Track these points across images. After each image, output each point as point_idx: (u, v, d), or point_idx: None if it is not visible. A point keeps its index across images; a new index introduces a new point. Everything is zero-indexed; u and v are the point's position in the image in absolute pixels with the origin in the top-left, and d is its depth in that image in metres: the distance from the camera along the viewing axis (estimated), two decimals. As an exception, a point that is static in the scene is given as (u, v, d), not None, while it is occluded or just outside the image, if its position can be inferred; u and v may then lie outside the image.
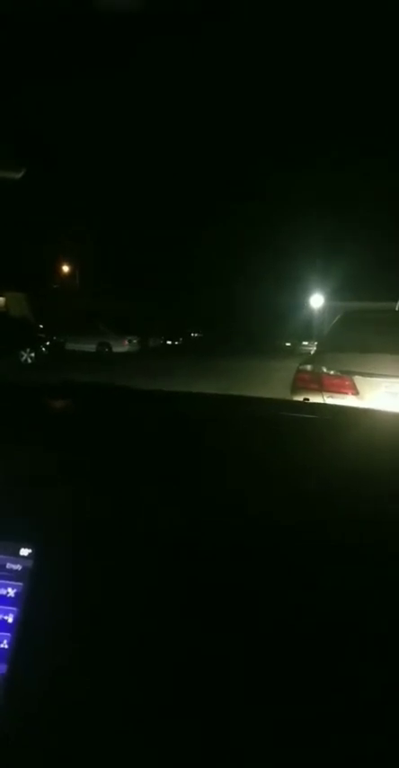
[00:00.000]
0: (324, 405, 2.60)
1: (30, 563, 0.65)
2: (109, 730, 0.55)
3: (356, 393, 3.50)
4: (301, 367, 3.85)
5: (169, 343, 36.30)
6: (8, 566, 0.65)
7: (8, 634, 0.61)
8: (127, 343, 22.55)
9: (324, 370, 3.65)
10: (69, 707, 0.57)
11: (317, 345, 4.88)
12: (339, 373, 3.58)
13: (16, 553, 0.65)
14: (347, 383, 3.53)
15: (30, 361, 15.02)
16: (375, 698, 0.54)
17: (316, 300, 30.13)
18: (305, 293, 32.66)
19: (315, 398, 3.36)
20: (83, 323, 21.94)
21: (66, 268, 34.40)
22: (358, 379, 3.50)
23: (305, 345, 31.18)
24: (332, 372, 3.62)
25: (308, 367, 3.78)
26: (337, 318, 4.54)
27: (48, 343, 16.18)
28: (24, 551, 0.65)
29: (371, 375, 3.49)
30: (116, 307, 26.94)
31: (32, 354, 15.10)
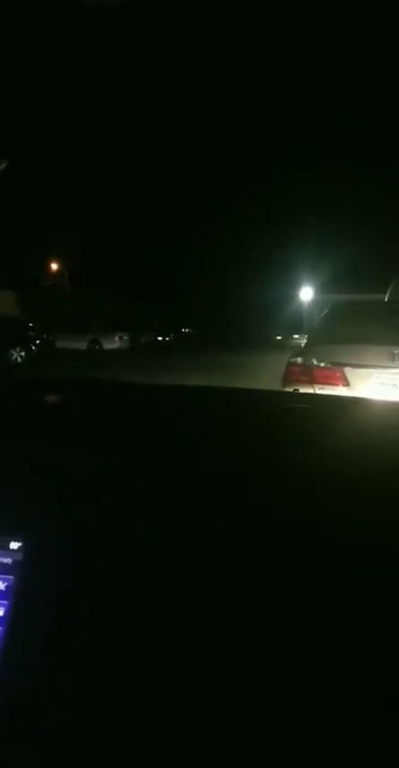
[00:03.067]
0: (321, 395, 2.61)
1: (20, 556, 0.64)
2: (106, 727, 0.55)
3: (347, 384, 3.51)
4: (292, 360, 3.85)
5: (160, 339, 36.27)
6: (-2, 559, 0.64)
7: (0, 627, 0.61)
8: (117, 339, 22.51)
9: (315, 362, 3.66)
10: (63, 700, 0.57)
11: (307, 338, 4.89)
12: (329, 365, 3.60)
13: (6, 546, 0.65)
14: (338, 375, 3.54)
15: (20, 359, 14.94)
16: (377, 699, 0.54)
17: (306, 293, 30.21)
18: (295, 287, 32.76)
19: (306, 391, 3.37)
20: (73, 321, 21.87)
21: (57, 266, 34.24)
22: (348, 371, 3.51)
23: (295, 338, 31.21)
24: (322, 364, 3.63)
25: (299, 360, 3.79)
26: (327, 311, 4.55)
27: (38, 342, 16.10)
28: (14, 545, 0.65)
29: (361, 366, 3.50)
30: (108, 307, 26.91)
31: (22, 353, 15.01)
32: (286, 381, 3.77)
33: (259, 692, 0.55)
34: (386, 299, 5.89)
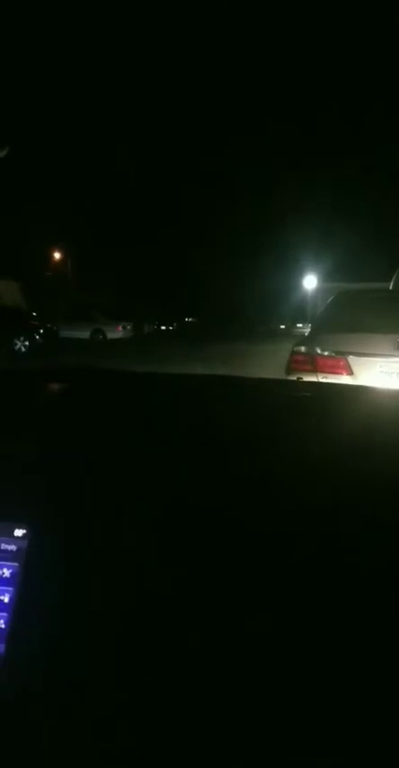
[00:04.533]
0: (325, 384, 2.60)
1: (24, 543, 0.65)
2: (107, 712, 0.55)
3: (350, 373, 3.50)
4: (295, 348, 3.83)
5: (163, 328, 36.27)
6: (3, 546, 0.65)
7: (5, 614, 0.61)
8: (120, 329, 22.48)
9: (319, 351, 3.64)
10: (67, 687, 0.57)
11: (311, 327, 4.86)
12: (333, 354, 3.58)
13: (11, 534, 0.65)
14: (341, 363, 3.53)
15: (23, 349, 14.98)
16: (377, 698, 0.53)
17: (310, 282, 30.10)
18: (299, 275, 32.64)
19: (310, 379, 3.36)
20: (77, 310, 21.90)
21: (60, 256, 34.19)
22: (352, 360, 3.50)
23: (299, 327, 31.12)
24: (326, 353, 3.61)
25: (302, 348, 3.77)
26: (331, 299, 4.52)
27: (41, 331, 16.13)
28: (19, 532, 0.65)
29: (365, 355, 3.49)
30: (111, 297, 26.92)
31: (26, 343, 15.06)
32: (289, 370, 3.76)
33: (259, 692, 0.55)
34: (391, 288, 5.85)
